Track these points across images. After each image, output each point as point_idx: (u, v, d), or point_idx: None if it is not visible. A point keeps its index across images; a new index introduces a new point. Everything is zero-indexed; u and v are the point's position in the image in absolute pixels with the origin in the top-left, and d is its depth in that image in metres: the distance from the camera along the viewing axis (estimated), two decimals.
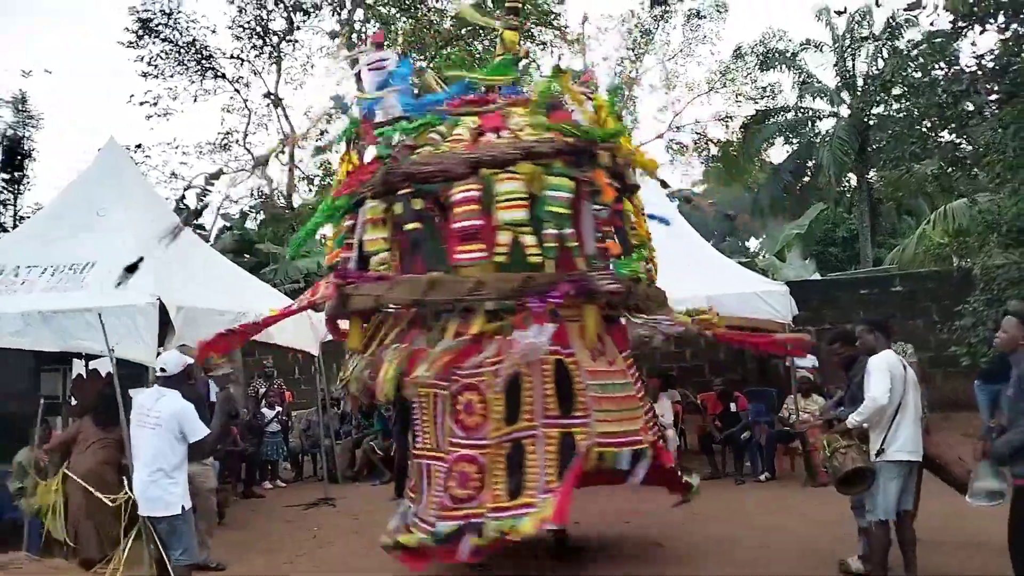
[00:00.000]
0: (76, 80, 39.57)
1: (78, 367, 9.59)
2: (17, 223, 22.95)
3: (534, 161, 5.50)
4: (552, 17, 22.42)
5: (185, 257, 8.56)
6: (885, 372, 5.11)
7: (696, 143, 30.03)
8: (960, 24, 8.49)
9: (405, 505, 6.00)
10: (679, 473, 6.41)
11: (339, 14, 20.04)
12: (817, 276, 17.59)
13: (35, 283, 7.63)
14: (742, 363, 12.91)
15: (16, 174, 24.87)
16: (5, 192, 24.73)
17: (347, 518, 8.69)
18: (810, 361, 11.52)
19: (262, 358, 13.93)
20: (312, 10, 20.22)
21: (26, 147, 24.99)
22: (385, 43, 7.04)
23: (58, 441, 7.11)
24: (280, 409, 11.36)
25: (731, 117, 28.82)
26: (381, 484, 10.39)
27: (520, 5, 8.15)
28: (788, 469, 9.73)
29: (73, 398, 9.03)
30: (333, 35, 20.24)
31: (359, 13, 19.94)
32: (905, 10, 12.16)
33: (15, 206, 24.61)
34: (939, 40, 9.11)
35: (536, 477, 5.36)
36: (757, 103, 27.30)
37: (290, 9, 20.05)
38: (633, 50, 29.46)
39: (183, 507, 4.80)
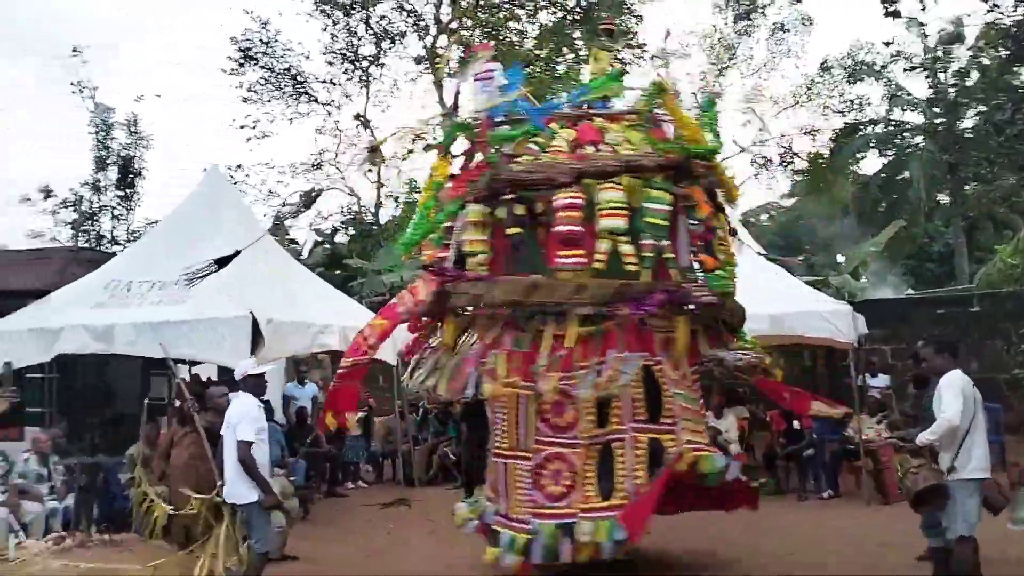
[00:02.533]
0: (184, 103, 42.21)
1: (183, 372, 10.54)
2: (130, 237, 24.73)
3: (635, 174, 5.81)
4: (630, 36, 22.69)
5: (276, 273, 9.35)
6: (958, 392, 5.22)
7: (782, 157, 29.73)
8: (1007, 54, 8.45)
9: (482, 505, 6.29)
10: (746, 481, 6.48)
11: (424, 40, 20.89)
12: (899, 294, 17.29)
13: (145, 297, 8.53)
14: (813, 380, 12.89)
15: (128, 191, 26.77)
16: (119, 208, 26.63)
17: (420, 518, 9.25)
18: (883, 381, 11.49)
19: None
20: (398, 37, 21.16)
21: (137, 166, 26.88)
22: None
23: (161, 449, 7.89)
24: (361, 415, 12.03)
25: (818, 130, 28.53)
26: (454, 488, 10.91)
27: (614, 27, 8.56)
28: (853, 487, 9.74)
29: (177, 400, 9.90)
30: (418, 60, 21.14)
31: (443, 39, 20.75)
32: (942, 44, 11.97)
33: (128, 221, 26.48)
34: (992, 70, 9.07)
35: (625, 479, 5.66)
36: (845, 116, 26.92)
37: (378, 36, 21.04)
38: (716, 65, 29.48)
39: (257, 498, 5.42)
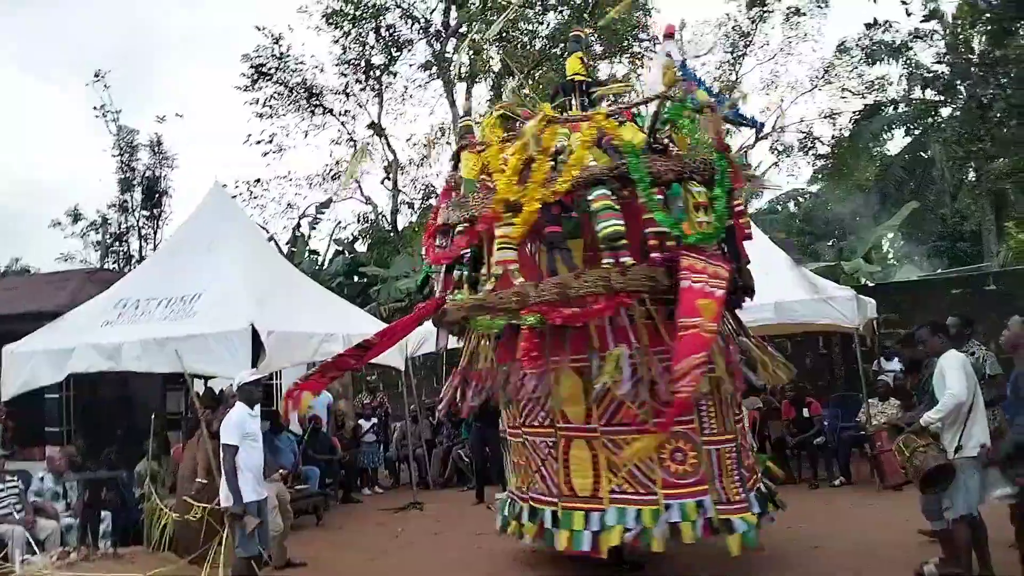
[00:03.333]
0: (204, 121, 43.05)
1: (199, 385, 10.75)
2: None
3: None
4: (637, 29, 22.52)
5: (281, 285, 9.49)
6: (960, 369, 5.24)
7: (802, 143, 29.46)
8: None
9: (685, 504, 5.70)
10: None
11: (432, 46, 21.02)
12: (929, 275, 16.98)
13: (153, 313, 8.70)
14: (830, 369, 12.78)
15: (155, 210, 27.30)
16: (147, 227, 27.18)
17: (431, 521, 9.35)
18: (899, 364, 11.35)
19: (367, 374, 14.97)
20: (405, 45, 21.34)
21: (163, 186, 27.41)
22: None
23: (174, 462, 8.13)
24: (375, 421, 12.19)
25: (838, 113, 28.21)
26: (467, 489, 11.00)
27: (582, 34, 8.60)
28: (867, 474, 9.64)
29: (191, 413, 10.12)
30: (426, 66, 21.30)
31: (451, 43, 20.90)
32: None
33: (155, 239, 27.01)
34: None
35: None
36: (865, 97, 26.55)
37: (387, 44, 21.22)
38: (732, 53, 29.23)
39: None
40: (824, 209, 34.93)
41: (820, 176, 32.21)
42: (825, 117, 28.55)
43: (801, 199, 34.49)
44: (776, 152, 29.89)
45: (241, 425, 5.77)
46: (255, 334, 7.87)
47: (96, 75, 25.74)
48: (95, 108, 26.69)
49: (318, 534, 8.90)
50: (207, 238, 9.42)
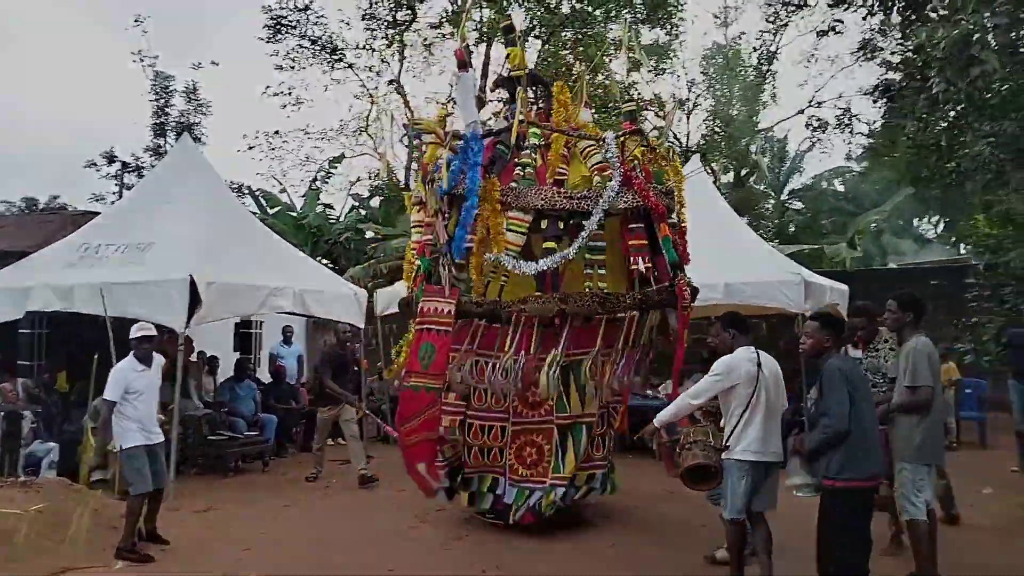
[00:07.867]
0: (238, 69, 43.44)
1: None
2: None
3: None
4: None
5: (237, 239, 9.74)
6: (717, 370, 5.19)
7: (839, 119, 28.56)
8: None
9: None
10: None
11: (454, 3, 20.88)
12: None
13: (109, 258, 9.08)
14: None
15: None
16: None
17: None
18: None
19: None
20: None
21: (196, 132, 28.01)
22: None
23: None
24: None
25: (878, 87, 27.24)
26: None
27: (514, 25, 8.77)
28: None
29: None
30: (437, 25, 21.21)
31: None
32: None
33: None
34: None
35: None
36: (904, 70, 25.55)
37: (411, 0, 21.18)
38: (773, 23, 28.41)
39: (120, 447, 5.89)
40: (869, 188, 33.96)
41: (852, 156, 31.32)
42: (865, 94, 27.65)
43: (847, 176, 33.58)
44: (811, 128, 29.05)
45: (123, 381, 6.04)
46: (193, 285, 8.16)
47: (136, 20, 26.29)
48: (133, 53, 27.38)
49: (255, 478, 9.29)
50: (168, 189, 9.73)
